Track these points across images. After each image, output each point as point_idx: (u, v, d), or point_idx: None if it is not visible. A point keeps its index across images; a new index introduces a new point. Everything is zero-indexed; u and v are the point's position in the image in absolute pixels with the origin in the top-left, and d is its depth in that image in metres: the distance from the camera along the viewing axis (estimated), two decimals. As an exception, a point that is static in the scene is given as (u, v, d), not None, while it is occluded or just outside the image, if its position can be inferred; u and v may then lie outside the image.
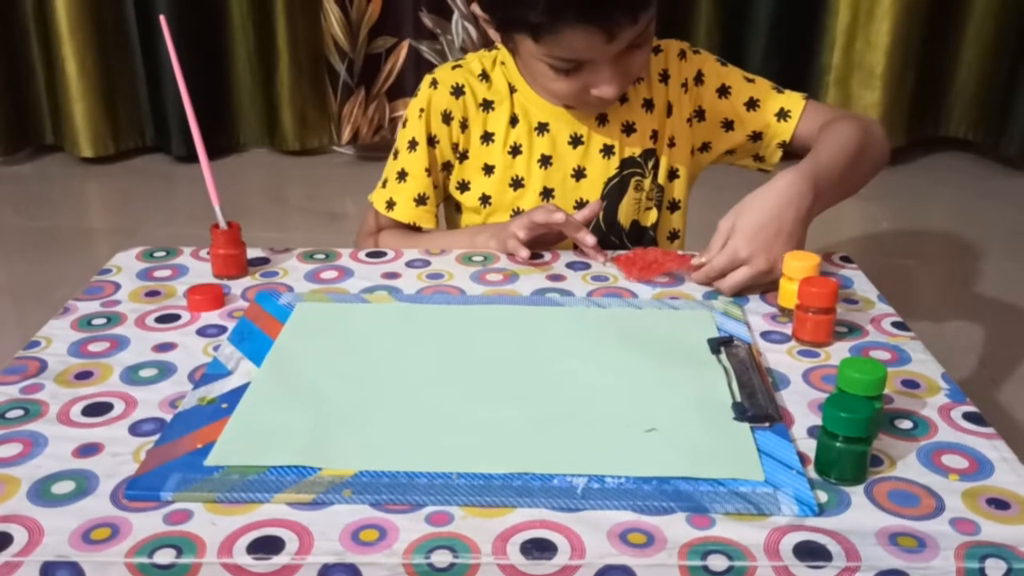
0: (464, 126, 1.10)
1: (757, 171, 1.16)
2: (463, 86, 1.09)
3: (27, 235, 2.28)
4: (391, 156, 1.14)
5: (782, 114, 1.10)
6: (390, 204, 1.11)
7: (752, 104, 1.11)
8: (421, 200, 1.11)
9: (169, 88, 2.61)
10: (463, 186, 1.12)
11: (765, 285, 0.90)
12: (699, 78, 1.12)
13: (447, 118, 1.09)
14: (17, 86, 2.66)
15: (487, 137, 1.10)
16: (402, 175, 1.11)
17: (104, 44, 2.60)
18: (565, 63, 0.97)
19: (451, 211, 1.17)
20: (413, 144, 1.10)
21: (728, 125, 1.12)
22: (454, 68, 1.11)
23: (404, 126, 1.12)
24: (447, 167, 1.12)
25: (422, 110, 1.10)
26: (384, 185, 1.13)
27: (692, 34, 2.58)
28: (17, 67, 2.65)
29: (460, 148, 1.11)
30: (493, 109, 1.10)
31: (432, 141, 1.10)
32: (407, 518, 0.59)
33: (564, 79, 1.00)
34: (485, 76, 1.11)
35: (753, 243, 0.88)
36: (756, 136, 1.12)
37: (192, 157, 2.62)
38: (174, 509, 0.60)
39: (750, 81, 1.12)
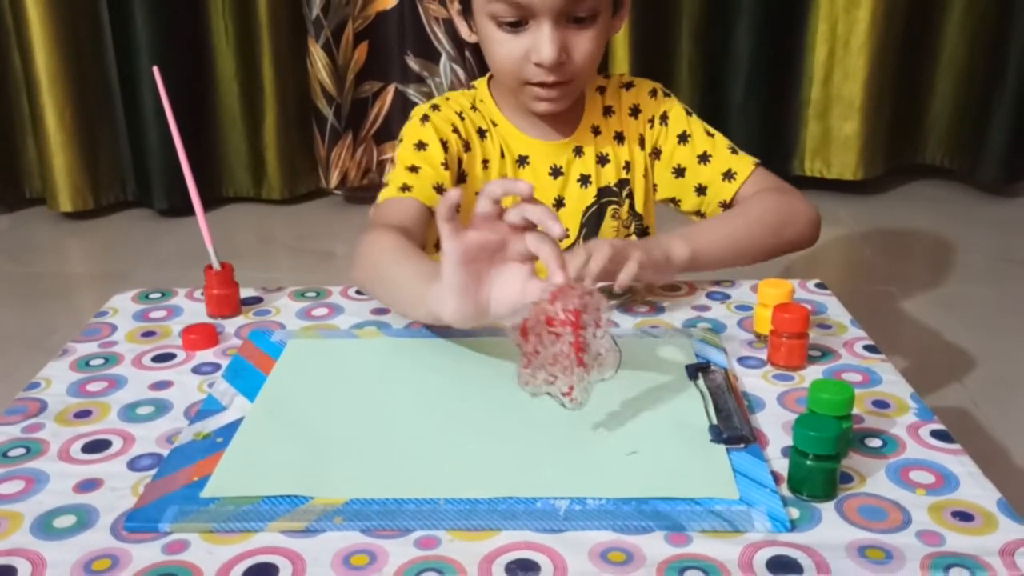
0: (468, 147, 1.10)
1: None
2: (462, 112, 1.11)
3: (18, 281, 2.29)
4: (392, 167, 1.08)
5: (728, 174, 1.12)
6: (405, 187, 1.03)
7: (704, 158, 1.13)
8: (440, 190, 1.04)
9: (152, 141, 2.57)
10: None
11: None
12: (664, 119, 1.15)
13: (455, 130, 1.09)
14: (5, 138, 2.66)
15: (485, 164, 1.12)
16: (414, 168, 1.05)
17: (84, 97, 2.56)
18: (510, 12, 1.00)
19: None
20: (422, 145, 1.07)
21: (679, 172, 1.14)
22: (446, 99, 1.13)
23: (401, 141, 1.10)
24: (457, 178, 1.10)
25: (425, 116, 1.09)
26: (388, 184, 1.05)
27: (674, 72, 2.63)
28: (6, 119, 2.65)
29: (463, 165, 1.10)
30: (486, 138, 1.12)
31: (444, 144, 1.07)
32: (396, 543, 0.61)
33: (511, 39, 1.02)
34: (474, 107, 1.13)
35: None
36: (701, 190, 1.13)
37: (175, 211, 2.60)
38: (172, 540, 0.62)
39: (710, 135, 1.14)
